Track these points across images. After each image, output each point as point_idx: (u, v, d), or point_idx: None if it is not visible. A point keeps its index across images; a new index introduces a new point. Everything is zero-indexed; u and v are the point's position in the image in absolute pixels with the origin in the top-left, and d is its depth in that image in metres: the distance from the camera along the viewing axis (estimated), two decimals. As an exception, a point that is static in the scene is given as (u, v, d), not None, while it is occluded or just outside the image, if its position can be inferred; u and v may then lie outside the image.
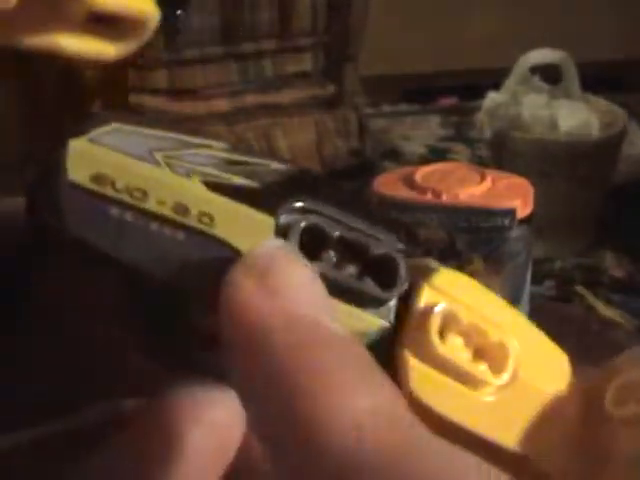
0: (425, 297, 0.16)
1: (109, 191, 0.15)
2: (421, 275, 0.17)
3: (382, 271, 0.16)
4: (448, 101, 2.04)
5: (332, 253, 0.16)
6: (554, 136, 1.20)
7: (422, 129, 1.92)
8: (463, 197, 0.53)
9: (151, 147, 0.16)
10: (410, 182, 0.54)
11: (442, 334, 0.16)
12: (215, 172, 0.16)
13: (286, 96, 1.36)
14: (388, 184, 0.55)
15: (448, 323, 0.16)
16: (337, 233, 0.16)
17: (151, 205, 0.15)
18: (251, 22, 1.32)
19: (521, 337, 0.17)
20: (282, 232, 0.16)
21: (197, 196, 0.16)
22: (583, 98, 1.24)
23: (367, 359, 0.15)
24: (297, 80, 1.39)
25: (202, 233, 0.15)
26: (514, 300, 0.54)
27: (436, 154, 1.75)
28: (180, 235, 0.16)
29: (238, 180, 0.16)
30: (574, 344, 0.66)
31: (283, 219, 0.16)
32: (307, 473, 0.14)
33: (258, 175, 0.16)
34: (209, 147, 0.17)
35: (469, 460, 0.15)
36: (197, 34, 1.28)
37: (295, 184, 0.17)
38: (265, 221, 0.16)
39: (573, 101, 1.23)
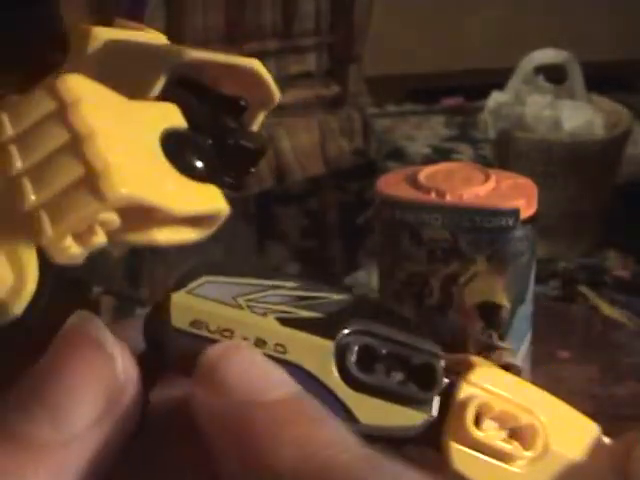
0: (462, 391, 0.21)
1: (204, 332, 0.21)
2: (460, 371, 0.21)
3: (424, 375, 0.21)
4: (452, 101, 2.04)
5: (382, 365, 0.21)
6: (558, 136, 1.20)
7: (426, 129, 1.92)
8: (467, 197, 0.52)
9: (234, 293, 0.21)
10: (414, 182, 0.54)
11: (478, 421, 0.21)
12: (286, 309, 0.21)
13: (290, 96, 1.36)
14: (392, 184, 0.55)
15: (483, 412, 0.21)
16: (384, 350, 0.21)
17: (238, 341, 0.20)
18: (255, 22, 1.32)
19: (550, 414, 0.22)
20: (340, 353, 0.21)
21: (272, 331, 0.21)
22: (587, 98, 1.24)
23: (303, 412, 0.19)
24: (301, 80, 1.40)
25: (278, 360, 0.20)
26: (518, 300, 0.54)
27: (440, 154, 1.75)
28: None
29: (305, 313, 0.21)
30: (577, 344, 0.66)
31: (340, 342, 0.21)
32: None
33: (321, 307, 0.21)
34: (282, 287, 0.22)
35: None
36: (201, 34, 1.28)
37: (350, 311, 0.22)
38: (326, 345, 0.21)
39: (577, 101, 1.23)
